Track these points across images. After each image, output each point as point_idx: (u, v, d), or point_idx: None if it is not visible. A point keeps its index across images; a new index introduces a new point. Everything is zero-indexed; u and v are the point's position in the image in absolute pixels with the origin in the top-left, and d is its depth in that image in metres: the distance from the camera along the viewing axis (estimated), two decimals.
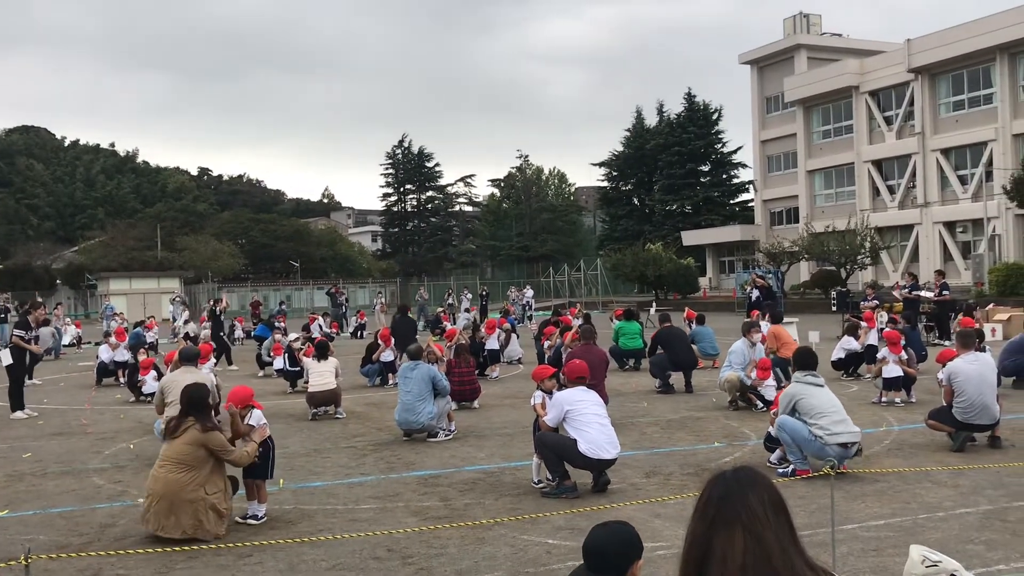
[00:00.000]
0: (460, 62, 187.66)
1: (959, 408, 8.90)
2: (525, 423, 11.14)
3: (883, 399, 12.19)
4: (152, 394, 12.66)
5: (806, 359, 8.38)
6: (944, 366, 9.36)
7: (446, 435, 10.48)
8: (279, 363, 16.62)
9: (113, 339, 18.19)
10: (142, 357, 15.92)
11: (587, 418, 7.55)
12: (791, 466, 7.97)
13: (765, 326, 14.51)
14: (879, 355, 12.99)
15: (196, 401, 6.78)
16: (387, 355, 16.21)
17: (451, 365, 12.63)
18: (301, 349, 16.31)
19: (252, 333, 29.03)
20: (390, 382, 15.74)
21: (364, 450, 9.97)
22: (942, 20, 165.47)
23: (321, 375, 12.45)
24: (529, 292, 42.96)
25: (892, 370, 12.17)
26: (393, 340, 16.40)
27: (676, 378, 14.32)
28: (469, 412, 12.57)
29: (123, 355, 17.62)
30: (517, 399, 13.74)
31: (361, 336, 31.31)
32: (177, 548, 6.25)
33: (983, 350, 9.62)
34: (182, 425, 6.65)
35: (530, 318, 36.54)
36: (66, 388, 17.60)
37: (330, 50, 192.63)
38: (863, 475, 7.89)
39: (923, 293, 22.30)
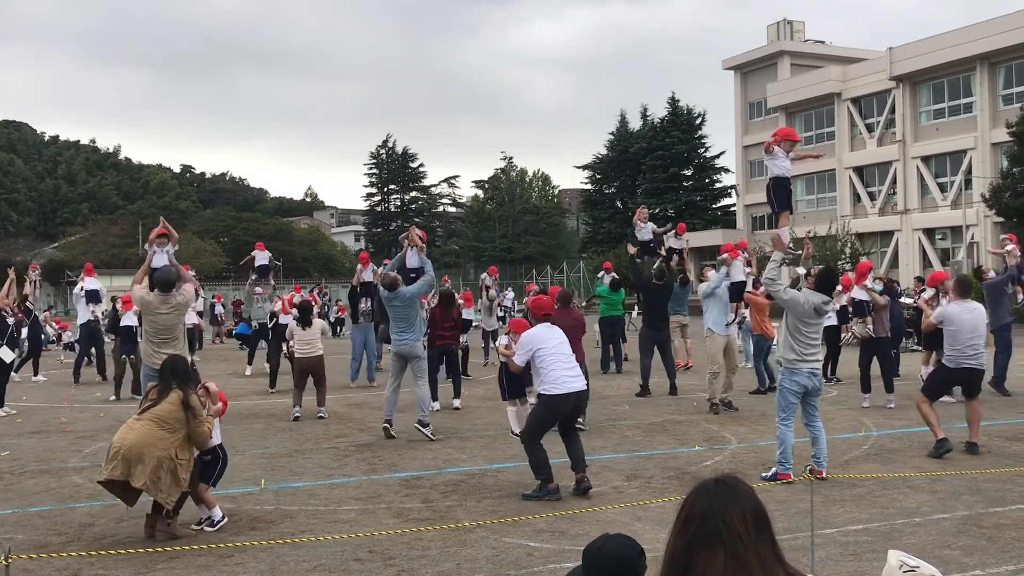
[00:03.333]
0: (443, 63, 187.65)
1: (950, 355, 9.19)
2: (508, 425, 11.15)
3: (866, 403, 12.33)
4: (133, 338, 13.50)
5: (828, 282, 8.46)
6: (935, 293, 9.59)
7: (432, 435, 10.48)
8: (285, 319, 16.30)
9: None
10: (120, 295, 16.10)
11: (551, 357, 7.60)
12: (773, 469, 8.06)
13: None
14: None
15: (179, 371, 6.77)
16: (366, 275, 16.26)
17: (435, 315, 12.81)
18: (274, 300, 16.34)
19: (233, 332, 28.92)
20: (370, 305, 16.14)
21: (346, 451, 9.95)
22: (924, 29, 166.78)
23: (308, 343, 12.52)
24: (510, 294, 42.81)
25: (859, 293, 12.46)
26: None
27: (657, 381, 14.38)
28: (451, 414, 12.59)
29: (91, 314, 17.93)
30: (500, 401, 13.74)
31: (340, 333, 31.21)
32: (159, 548, 6.23)
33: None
34: (169, 388, 6.62)
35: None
36: (45, 386, 17.45)
37: (313, 50, 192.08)
38: (842, 480, 7.96)
39: (904, 300, 22.46)
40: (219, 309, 31.06)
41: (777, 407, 8.25)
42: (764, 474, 8.11)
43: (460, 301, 18.06)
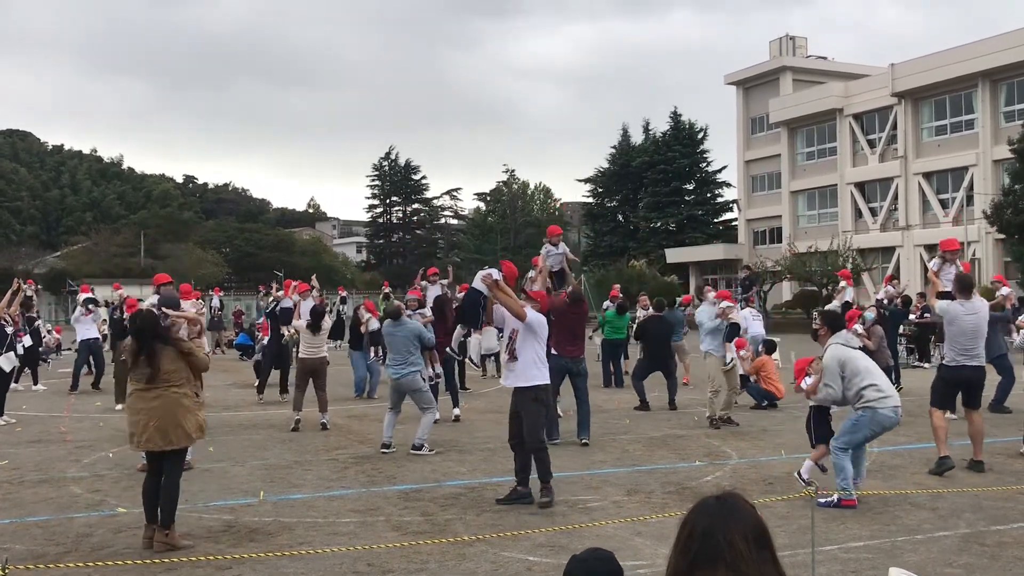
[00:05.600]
0: (445, 76, 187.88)
1: (949, 355, 9.13)
2: (504, 435, 11.12)
3: None
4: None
5: (838, 320, 8.37)
6: (941, 262, 9.88)
7: (429, 450, 10.45)
8: (287, 303, 15.88)
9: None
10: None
11: (543, 346, 8.08)
12: (835, 496, 7.59)
13: (749, 313, 15.45)
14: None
15: (150, 328, 6.69)
16: (374, 324, 16.22)
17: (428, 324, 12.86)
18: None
19: (234, 342, 28.89)
20: (377, 354, 15.96)
21: (345, 463, 9.93)
22: (926, 46, 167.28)
23: (313, 344, 12.75)
24: None
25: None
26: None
27: (657, 396, 14.36)
28: (451, 426, 12.56)
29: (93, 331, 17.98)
30: (500, 413, 13.70)
31: (342, 337, 31.00)
32: (156, 560, 6.20)
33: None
34: (156, 353, 6.59)
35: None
36: (45, 395, 17.43)
37: (315, 61, 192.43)
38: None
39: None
40: (215, 302, 31.07)
41: (842, 432, 7.73)
42: (823, 500, 7.45)
43: (457, 291, 17.98)
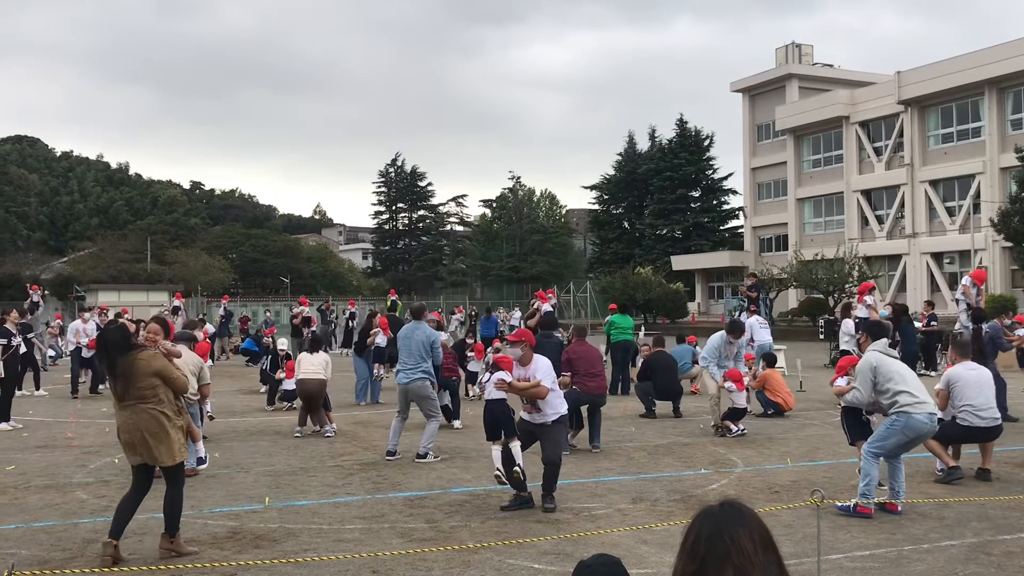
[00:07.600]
0: (450, 83, 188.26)
1: (963, 414, 8.93)
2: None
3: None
4: None
5: (879, 329, 8.30)
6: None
7: (435, 457, 10.45)
8: (289, 384, 15.95)
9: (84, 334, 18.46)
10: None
11: (555, 380, 8.50)
12: (852, 501, 7.59)
13: (756, 321, 15.43)
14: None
15: (116, 345, 6.56)
16: (381, 339, 16.16)
17: None
18: (285, 353, 16.26)
19: (239, 347, 28.95)
20: (382, 372, 15.92)
21: (351, 469, 9.93)
22: (932, 54, 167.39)
23: (312, 364, 12.58)
24: (517, 313, 42.75)
25: (860, 311, 12.75)
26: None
27: (662, 404, 14.35)
28: (455, 433, 12.56)
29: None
30: None
31: (346, 347, 31.10)
32: (161, 566, 6.21)
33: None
34: (120, 368, 6.47)
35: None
36: (51, 400, 17.47)
37: (320, 70, 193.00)
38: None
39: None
40: (222, 310, 31.31)
41: (875, 438, 7.65)
42: (839, 504, 7.56)
43: (471, 351, 17.98)
